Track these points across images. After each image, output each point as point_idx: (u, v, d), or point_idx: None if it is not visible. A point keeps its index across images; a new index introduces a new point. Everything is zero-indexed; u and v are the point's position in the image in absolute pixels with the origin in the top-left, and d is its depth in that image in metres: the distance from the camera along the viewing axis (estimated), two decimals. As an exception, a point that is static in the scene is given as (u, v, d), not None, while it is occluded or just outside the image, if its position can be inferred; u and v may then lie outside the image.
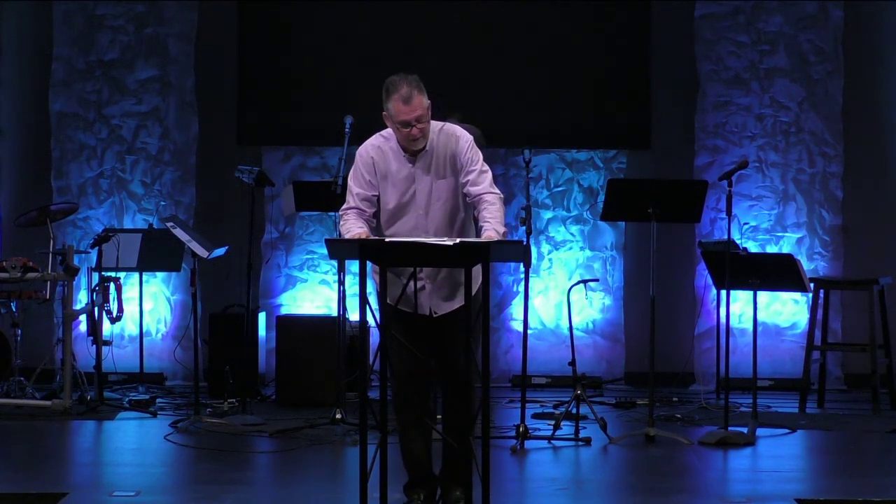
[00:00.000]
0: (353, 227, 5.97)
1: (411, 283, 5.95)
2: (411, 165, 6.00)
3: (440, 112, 6.79)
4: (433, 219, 6.00)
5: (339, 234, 8.60)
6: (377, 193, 6.05)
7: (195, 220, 10.43)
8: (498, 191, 6.00)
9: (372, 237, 5.89)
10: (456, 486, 6.11)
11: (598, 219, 10.24)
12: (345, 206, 6.08)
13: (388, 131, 6.05)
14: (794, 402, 9.42)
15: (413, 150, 5.98)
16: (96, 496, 6.68)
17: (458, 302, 5.95)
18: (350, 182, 6.09)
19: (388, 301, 5.92)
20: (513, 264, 10.34)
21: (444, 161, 6.00)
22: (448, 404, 6.15)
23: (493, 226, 5.87)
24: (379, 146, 6.06)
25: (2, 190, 10.69)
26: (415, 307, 6.00)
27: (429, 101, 5.94)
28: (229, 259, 9.53)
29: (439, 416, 6.28)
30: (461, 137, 6.03)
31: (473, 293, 5.77)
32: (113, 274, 9.39)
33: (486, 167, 6.03)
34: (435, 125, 6.03)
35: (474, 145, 6.04)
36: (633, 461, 7.82)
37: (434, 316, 6.02)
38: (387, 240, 5.82)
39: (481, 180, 5.98)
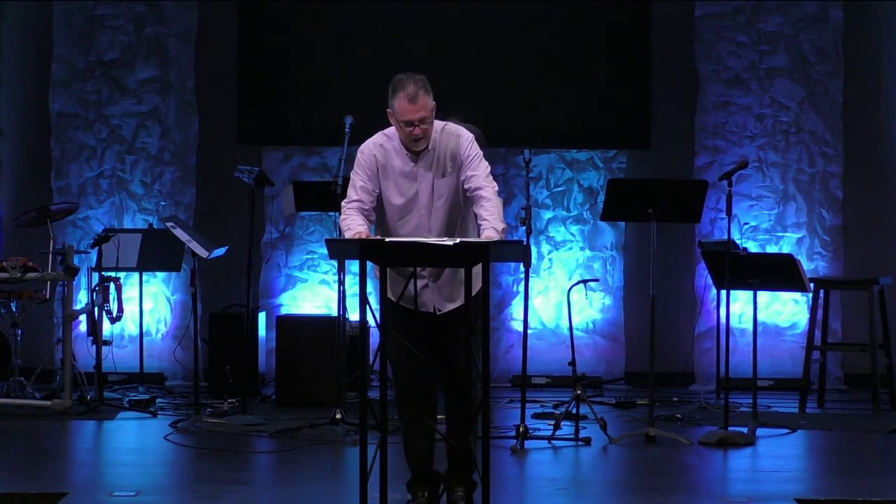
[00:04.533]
0: (353, 223, 5.98)
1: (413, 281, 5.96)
2: (413, 164, 6.04)
3: (442, 112, 6.81)
4: (436, 218, 6.04)
5: (340, 232, 8.66)
6: (378, 190, 6.07)
7: (195, 220, 10.42)
8: (494, 184, 6.04)
9: (372, 237, 5.89)
10: (458, 486, 6.12)
11: (598, 219, 10.24)
12: (347, 200, 6.11)
13: (391, 130, 6.08)
14: (794, 402, 9.42)
15: (415, 149, 6.00)
16: (96, 496, 6.67)
17: (461, 300, 5.95)
18: (353, 176, 6.12)
19: (391, 297, 5.93)
20: (513, 264, 10.34)
21: (446, 159, 6.04)
22: (449, 404, 6.16)
23: (491, 224, 5.89)
24: (382, 144, 6.09)
25: (2, 190, 10.69)
26: (417, 305, 6.00)
27: (434, 103, 6.00)
28: (229, 259, 9.53)
29: (441, 417, 6.28)
30: (462, 135, 6.09)
31: (474, 294, 5.78)
32: (113, 274, 9.39)
33: (486, 162, 6.08)
34: (437, 125, 6.08)
35: (474, 142, 6.10)
36: (633, 461, 7.81)
37: (438, 314, 6.03)
38: (387, 240, 5.83)
39: (479, 173, 6.02)
